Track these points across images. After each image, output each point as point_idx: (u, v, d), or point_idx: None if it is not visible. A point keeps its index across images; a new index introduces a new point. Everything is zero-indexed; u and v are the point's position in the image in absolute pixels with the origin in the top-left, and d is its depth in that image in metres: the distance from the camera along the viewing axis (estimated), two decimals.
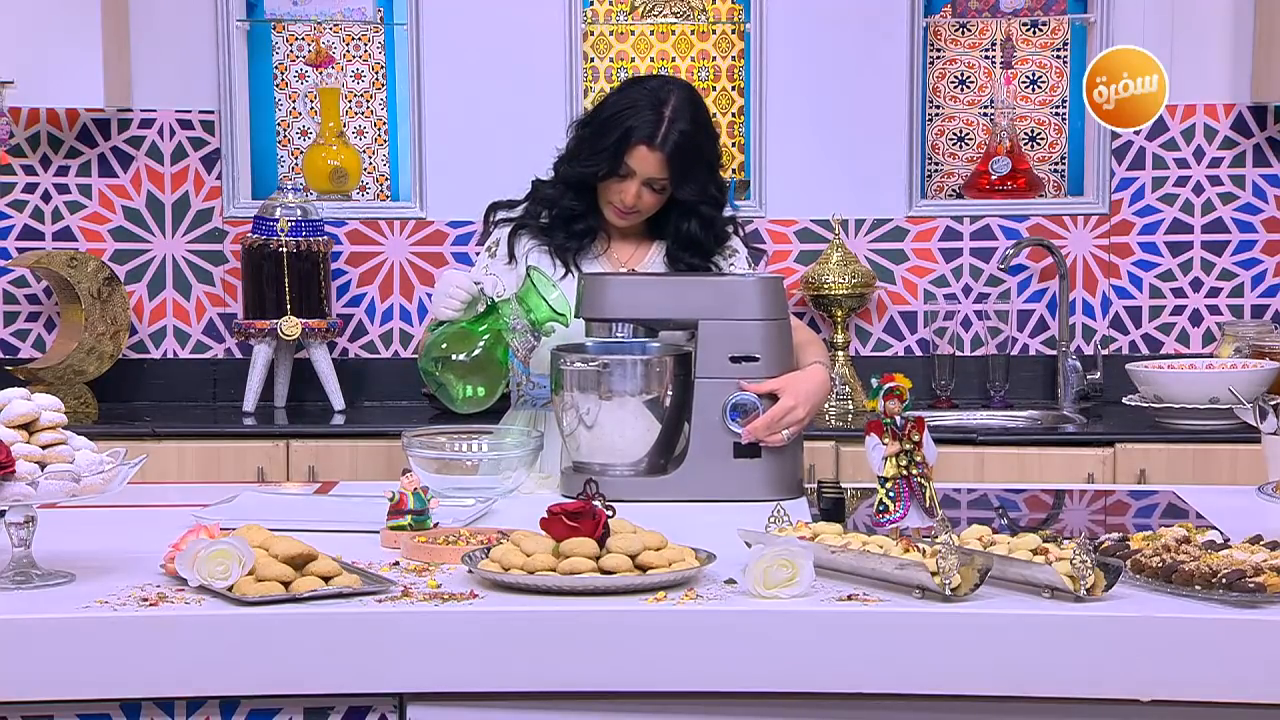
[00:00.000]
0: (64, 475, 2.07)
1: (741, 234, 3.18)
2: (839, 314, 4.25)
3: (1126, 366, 4.09)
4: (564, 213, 3.08)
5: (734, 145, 4.48)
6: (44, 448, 2.10)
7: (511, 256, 3.10)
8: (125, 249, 4.37)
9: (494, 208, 3.18)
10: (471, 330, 2.85)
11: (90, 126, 4.35)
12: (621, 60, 4.47)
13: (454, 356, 2.84)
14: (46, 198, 4.36)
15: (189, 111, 4.34)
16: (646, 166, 2.99)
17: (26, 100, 4.13)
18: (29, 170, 4.35)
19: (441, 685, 1.98)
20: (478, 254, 3.20)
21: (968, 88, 4.44)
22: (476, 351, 2.84)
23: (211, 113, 4.34)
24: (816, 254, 4.31)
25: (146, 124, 4.35)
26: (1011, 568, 2.04)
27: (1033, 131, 4.44)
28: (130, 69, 4.28)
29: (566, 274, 3.05)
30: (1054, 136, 4.44)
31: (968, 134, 4.45)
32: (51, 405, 2.15)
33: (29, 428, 2.11)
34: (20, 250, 4.34)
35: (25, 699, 1.97)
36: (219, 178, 4.36)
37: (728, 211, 3.14)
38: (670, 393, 2.72)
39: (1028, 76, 4.44)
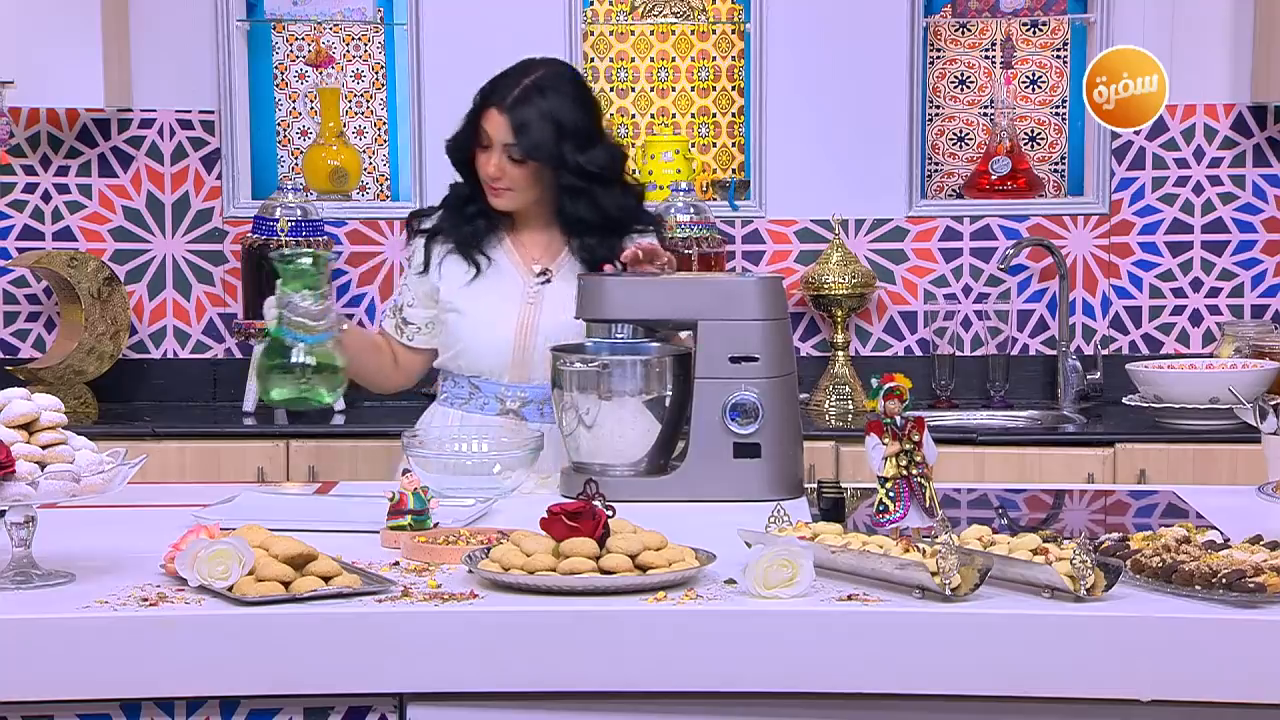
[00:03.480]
0: (64, 475, 2.07)
1: (664, 236, 3.13)
2: (839, 314, 4.25)
3: (1126, 366, 4.09)
4: (455, 199, 3.07)
5: (734, 145, 4.48)
6: (44, 448, 2.10)
7: (426, 265, 3.07)
8: (125, 249, 4.37)
9: (414, 217, 3.16)
10: (276, 343, 2.73)
11: (90, 126, 4.35)
12: (621, 60, 4.47)
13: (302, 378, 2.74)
14: (46, 198, 4.36)
15: (189, 111, 4.35)
16: (498, 130, 2.95)
17: (26, 100, 4.13)
18: (29, 170, 4.35)
19: (441, 685, 1.98)
20: None
21: (968, 88, 4.45)
22: (304, 359, 2.73)
23: (211, 113, 4.34)
24: (816, 254, 4.31)
25: (146, 124, 4.35)
26: (1011, 568, 2.04)
27: (1033, 131, 4.44)
28: (130, 69, 4.28)
29: (478, 275, 3.03)
30: (1054, 136, 4.45)
31: (968, 134, 4.45)
32: (51, 405, 2.15)
33: (29, 428, 2.11)
34: (20, 250, 4.34)
35: (26, 699, 1.97)
36: (219, 178, 4.36)
37: (680, 223, 3.10)
38: (670, 393, 2.72)
39: (1028, 76, 4.44)
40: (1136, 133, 4.29)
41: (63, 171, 4.36)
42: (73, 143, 4.35)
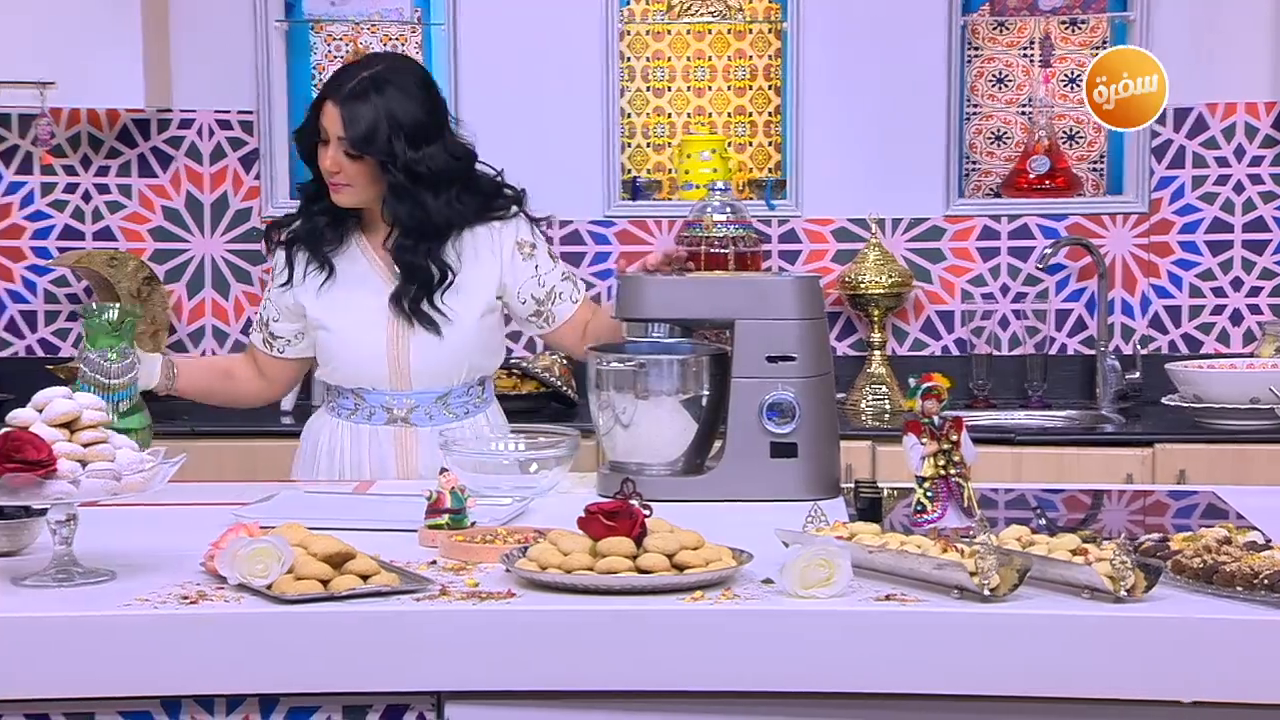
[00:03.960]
0: (105, 474, 2.09)
1: (529, 214, 3.04)
2: (876, 313, 4.24)
3: (1166, 366, 4.06)
4: (304, 199, 3.01)
5: (770, 145, 4.48)
6: (85, 446, 2.11)
7: (290, 277, 3.01)
8: (165, 249, 4.40)
9: (272, 228, 3.08)
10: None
11: (130, 127, 4.37)
12: (658, 60, 4.47)
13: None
14: (87, 198, 4.39)
15: (228, 112, 4.37)
16: (333, 123, 2.89)
17: (68, 101, 4.17)
18: (70, 170, 4.39)
19: (479, 684, 1.99)
20: None
21: (1006, 86, 4.43)
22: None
23: (250, 113, 4.36)
24: (853, 253, 4.30)
25: (186, 124, 4.37)
26: (1051, 568, 2.03)
27: (1071, 130, 4.42)
28: (170, 70, 4.31)
29: (331, 275, 2.98)
30: (1093, 135, 4.42)
31: (1006, 133, 4.43)
32: (92, 404, 2.16)
33: (70, 426, 2.13)
34: (61, 250, 4.37)
35: (68, 696, 1.98)
36: (257, 178, 4.38)
37: (538, 220, 3.03)
38: (707, 392, 2.71)
39: (1066, 75, 4.41)
40: (1176, 131, 4.27)
41: (103, 171, 4.39)
42: (113, 143, 4.38)
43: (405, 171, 2.87)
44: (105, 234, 4.39)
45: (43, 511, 2.18)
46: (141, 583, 2.09)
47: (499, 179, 3.04)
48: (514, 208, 3.01)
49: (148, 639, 1.97)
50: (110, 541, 2.26)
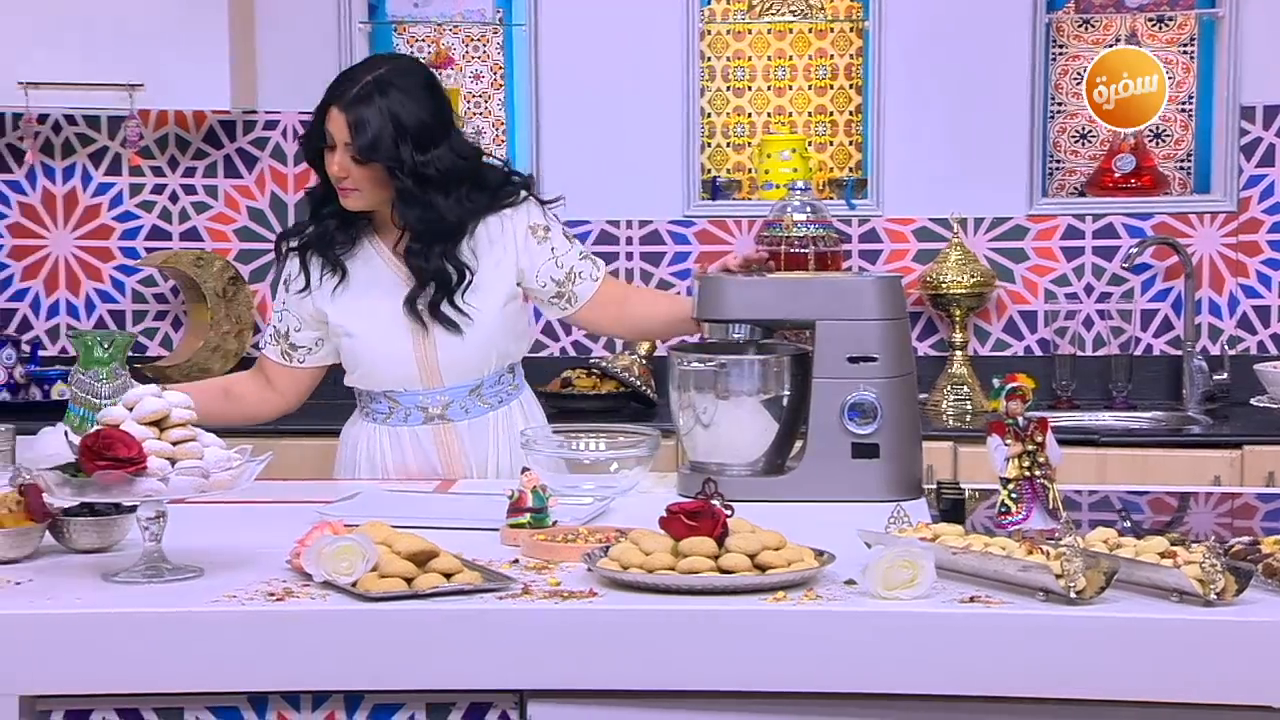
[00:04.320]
0: (194, 471, 2.12)
1: (539, 196, 3.01)
2: (958, 313, 4.21)
3: (1255, 367, 3.99)
4: (314, 204, 2.99)
5: (851, 144, 4.46)
6: (174, 444, 2.14)
7: (306, 282, 2.98)
8: (249, 249, 4.44)
9: (282, 238, 3.05)
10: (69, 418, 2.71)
11: (216, 128, 4.43)
12: (739, 59, 4.46)
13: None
14: (174, 198, 4.45)
15: (312, 113, 4.39)
16: (338, 129, 2.86)
17: (155, 103, 4.22)
18: (157, 171, 4.45)
19: (561, 682, 1.99)
20: None
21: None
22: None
23: None
24: (935, 253, 4.27)
25: (270, 125, 4.42)
26: (1138, 571, 2.01)
27: (1158, 128, 4.36)
28: (255, 72, 4.36)
29: (344, 279, 2.96)
30: (1179, 134, 4.36)
31: (1090, 131, 4.39)
32: (181, 403, 2.19)
33: (160, 425, 2.16)
34: (149, 250, 4.43)
35: (157, 691, 2.01)
36: None
37: (538, 207, 2.99)
38: (788, 392, 2.71)
39: None
40: (1266, 129, 4.21)
41: (190, 172, 4.44)
42: (199, 144, 4.43)
43: (413, 176, 2.85)
44: (192, 234, 4.45)
45: (133, 508, 2.22)
46: (229, 579, 2.12)
47: (506, 169, 3.02)
48: (523, 193, 2.99)
49: (235, 635, 1.99)
50: (198, 538, 2.29)
